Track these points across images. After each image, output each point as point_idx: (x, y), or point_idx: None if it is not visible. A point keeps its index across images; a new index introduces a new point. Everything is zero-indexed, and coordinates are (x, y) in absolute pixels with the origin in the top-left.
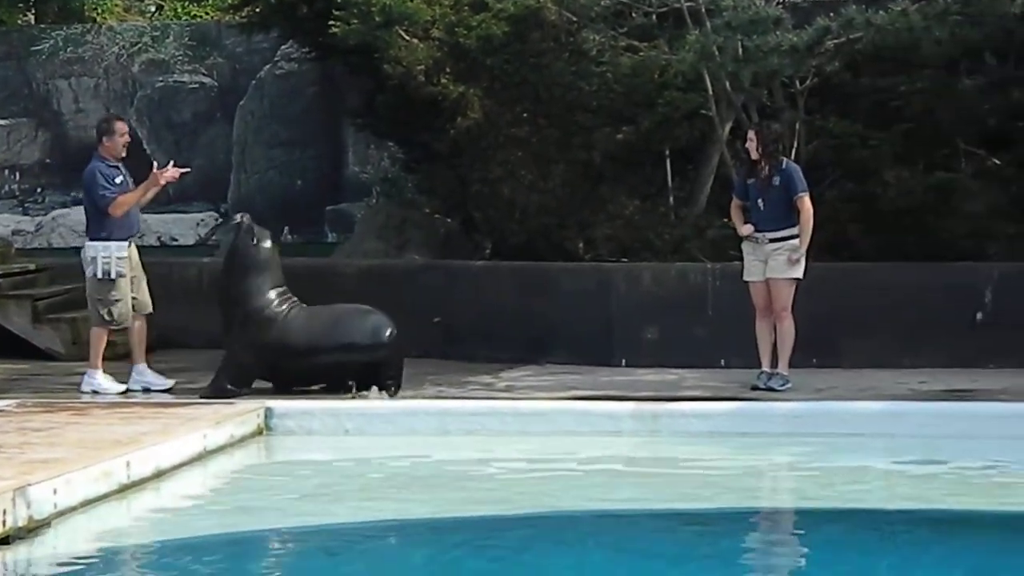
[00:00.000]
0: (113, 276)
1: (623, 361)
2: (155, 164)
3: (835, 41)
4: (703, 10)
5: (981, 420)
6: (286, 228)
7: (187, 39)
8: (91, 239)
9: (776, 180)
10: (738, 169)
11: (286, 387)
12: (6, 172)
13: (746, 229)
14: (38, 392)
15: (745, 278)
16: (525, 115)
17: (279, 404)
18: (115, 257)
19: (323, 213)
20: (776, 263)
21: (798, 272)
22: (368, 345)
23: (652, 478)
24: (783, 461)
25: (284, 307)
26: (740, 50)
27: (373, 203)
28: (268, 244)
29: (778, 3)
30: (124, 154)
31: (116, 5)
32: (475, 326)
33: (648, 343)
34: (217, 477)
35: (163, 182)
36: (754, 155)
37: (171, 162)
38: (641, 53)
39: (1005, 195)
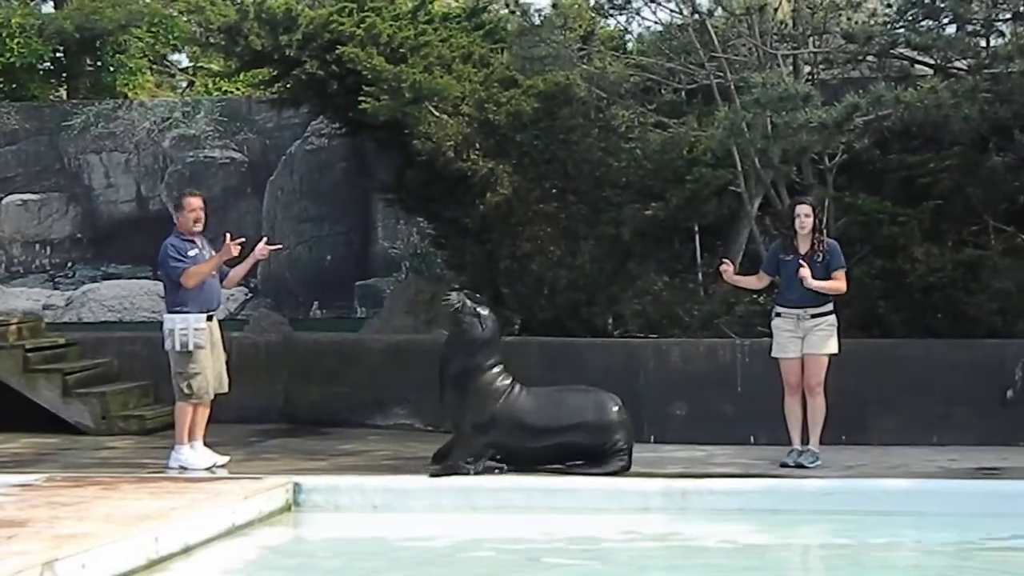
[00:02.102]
0: (191, 348)
1: (652, 437)
2: (228, 235)
3: (864, 118)
4: (732, 87)
5: (1011, 498)
6: (315, 303)
7: (218, 115)
8: (169, 312)
9: (819, 257)
10: (768, 244)
11: (516, 465)
12: (37, 247)
13: (806, 282)
14: (67, 467)
15: (776, 355)
16: (554, 191)
17: (307, 480)
18: (192, 328)
19: (352, 288)
20: (816, 338)
21: (835, 347)
22: (598, 424)
23: (682, 556)
24: (813, 539)
25: (508, 383)
26: (769, 127)
27: (402, 278)
28: (490, 321)
29: (807, 80)
30: (198, 229)
31: (147, 81)
32: None
33: (677, 419)
34: (245, 553)
35: (235, 252)
36: (804, 231)
37: (264, 239)
38: (670, 129)
39: None
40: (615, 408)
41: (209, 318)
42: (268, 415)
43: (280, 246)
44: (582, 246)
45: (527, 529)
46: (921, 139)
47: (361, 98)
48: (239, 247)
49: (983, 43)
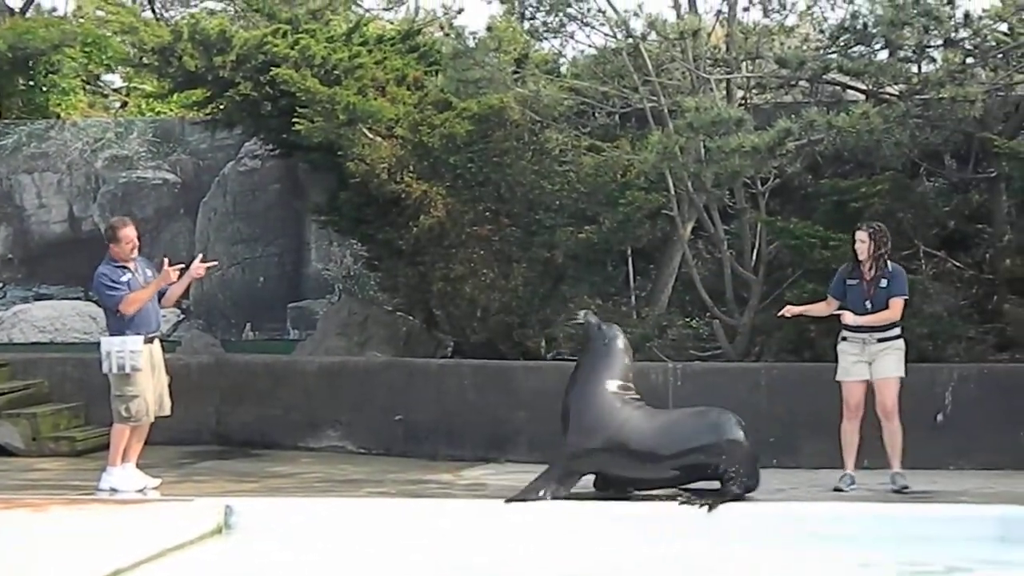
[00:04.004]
0: (128, 370)
1: None
2: (166, 261)
3: (796, 142)
4: (665, 111)
5: (941, 522)
6: (248, 325)
7: (151, 135)
8: (109, 335)
9: (883, 282)
10: (700, 267)
11: (625, 490)
12: None
13: (849, 317)
14: None
15: (839, 378)
16: (487, 213)
17: (238, 502)
18: (129, 351)
19: (285, 310)
20: (885, 363)
21: (903, 370)
22: (715, 446)
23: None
24: (744, 562)
25: (626, 407)
26: (702, 150)
27: (335, 300)
28: (620, 342)
29: (740, 104)
30: (134, 255)
31: (80, 101)
32: (436, 424)
33: None
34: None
35: (174, 278)
36: (863, 256)
37: (199, 256)
38: (604, 153)
39: (964, 296)
40: (736, 431)
41: (150, 340)
42: (200, 437)
43: (215, 263)
44: (515, 269)
45: (465, 551)
46: (853, 164)
47: (295, 120)
48: (178, 272)
49: (914, 69)
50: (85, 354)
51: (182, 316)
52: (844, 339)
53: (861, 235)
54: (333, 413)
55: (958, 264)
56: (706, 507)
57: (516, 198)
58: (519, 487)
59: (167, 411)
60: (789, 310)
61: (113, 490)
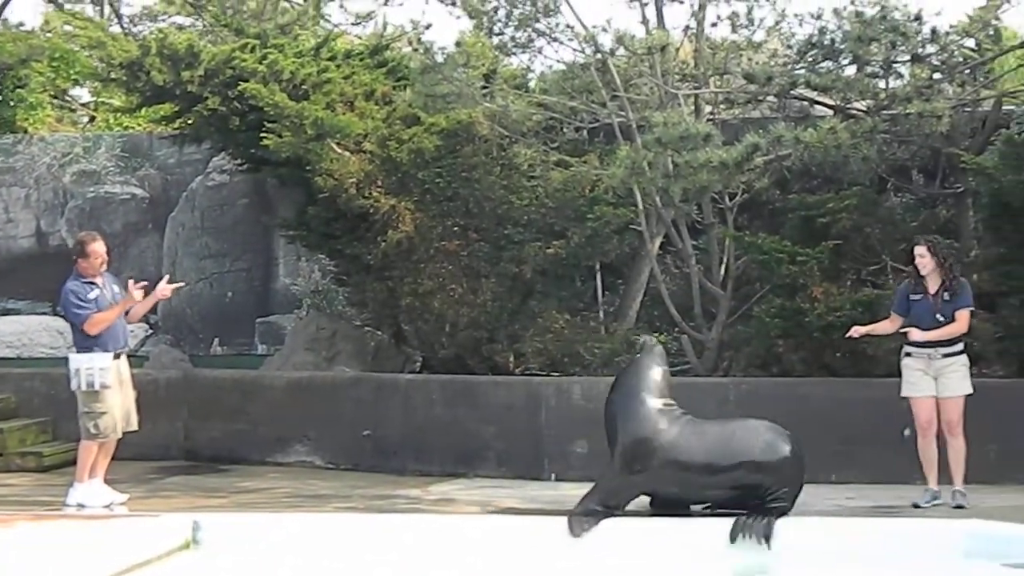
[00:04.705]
0: (97, 387)
1: (552, 475)
2: (131, 282)
3: (764, 158)
4: (634, 126)
5: (907, 537)
6: (216, 340)
7: (119, 150)
8: (76, 351)
9: (947, 295)
10: (668, 282)
11: (671, 506)
12: None
13: (916, 333)
14: None
15: (906, 394)
16: (456, 228)
17: (206, 517)
18: (98, 368)
19: (253, 325)
20: (951, 380)
21: (969, 387)
22: (764, 463)
23: None
24: None
25: (667, 422)
26: (670, 165)
27: (303, 315)
28: (656, 360)
29: (708, 119)
30: (103, 270)
31: (48, 115)
32: (404, 439)
33: (577, 457)
34: None
35: (139, 298)
36: (925, 270)
37: (166, 276)
38: (572, 168)
39: None
40: (787, 447)
41: (117, 356)
42: (168, 452)
43: (182, 284)
44: (484, 284)
45: (436, 566)
46: (820, 179)
47: (263, 134)
48: (143, 292)
49: (882, 84)
50: (52, 369)
51: (150, 331)
52: (908, 355)
53: (920, 250)
54: (301, 428)
55: None
56: (765, 543)
57: (484, 213)
58: (487, 502)
59: (134, 426)
60: (856, 331)
61: (80, 505)
